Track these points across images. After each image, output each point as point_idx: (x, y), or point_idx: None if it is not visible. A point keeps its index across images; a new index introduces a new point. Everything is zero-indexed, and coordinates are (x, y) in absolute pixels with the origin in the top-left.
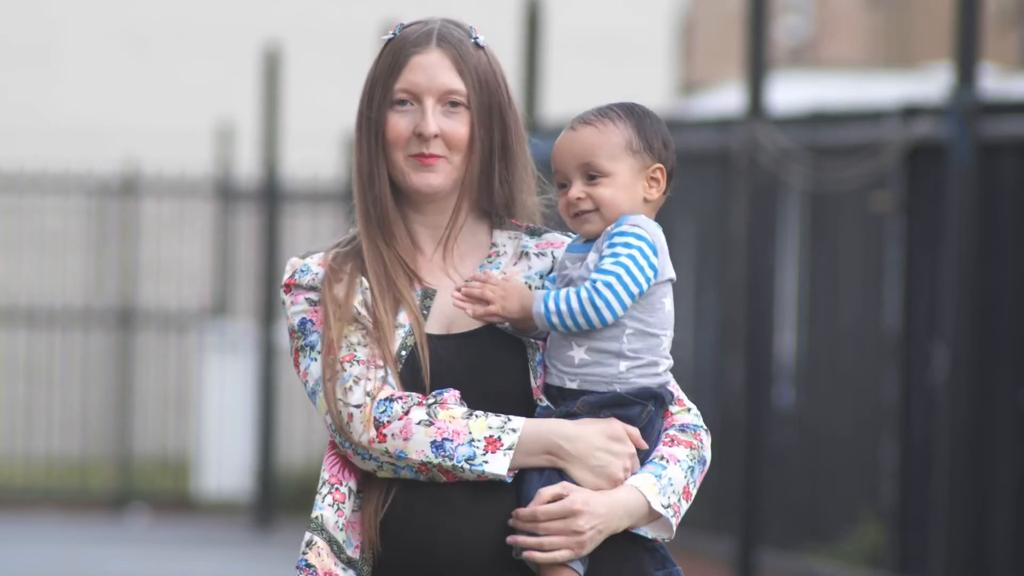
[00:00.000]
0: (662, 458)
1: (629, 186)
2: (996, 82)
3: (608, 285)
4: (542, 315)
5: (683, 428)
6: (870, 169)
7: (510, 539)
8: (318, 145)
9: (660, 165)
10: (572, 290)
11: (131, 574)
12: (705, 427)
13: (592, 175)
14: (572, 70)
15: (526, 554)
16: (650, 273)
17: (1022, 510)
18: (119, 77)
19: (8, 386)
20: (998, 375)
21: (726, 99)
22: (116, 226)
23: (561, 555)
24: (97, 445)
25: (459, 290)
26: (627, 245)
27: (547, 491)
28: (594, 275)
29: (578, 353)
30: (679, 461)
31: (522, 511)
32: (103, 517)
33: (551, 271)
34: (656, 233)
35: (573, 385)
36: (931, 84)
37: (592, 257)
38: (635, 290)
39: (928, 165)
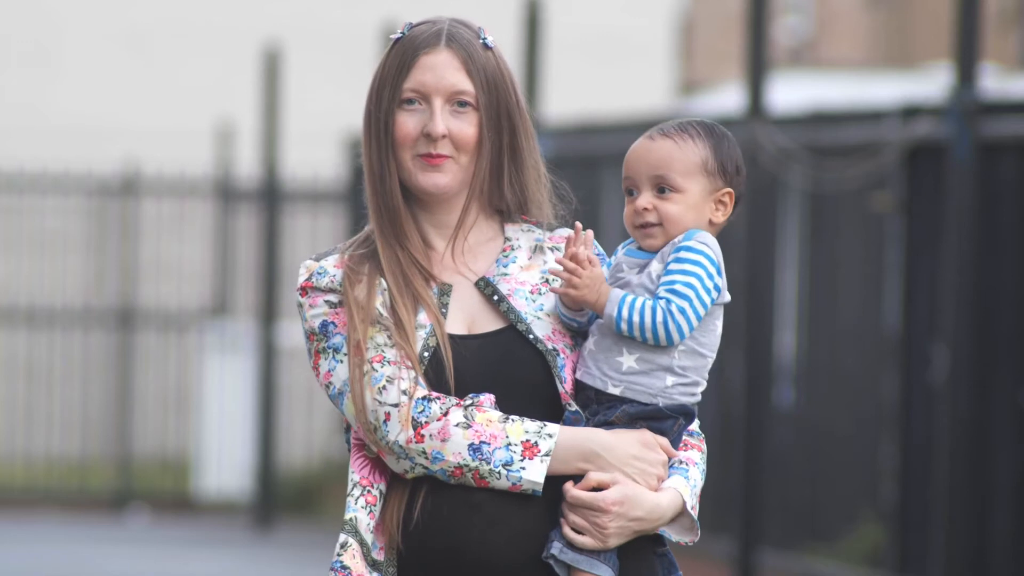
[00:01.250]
0: (680, 462)
1: (698, 206)
2: (996, 82)
3: (682, 311)
4: (613, 318)
5: (690, 434)
6: (870, 169)
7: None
8: (318, 145)
9: (730, 190)
10: (648, 304)
11: (131, 574)
12: (703, 435)
13: (663, 188)
14: (572, 70)
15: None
16: (715, 295)
17: (1022, 510)
18: (119, 77)
19: (8, 386)
20: (998, 375)
21: (726, 99)
22: (116, 226)
23: (582, 540)
24: (97, 445)
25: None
26: (697, 263)
27: (595, 476)
28: (666, 293)
29: (627, 360)
30: (696, 463)
31: (565, 487)
32: (103, 517)
33: None
34: (719, 254)
35: (616, 391)
36: (931, 84)
37: (656, 267)
38: (702, 312)
39: (928, 165)
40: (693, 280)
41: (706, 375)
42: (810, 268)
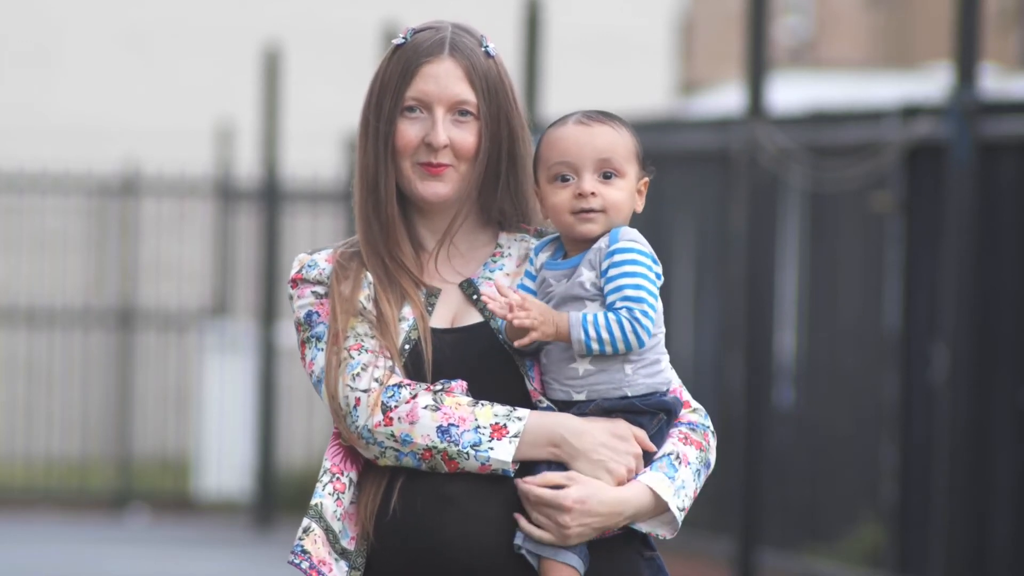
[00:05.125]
0: (676, 457)
1: (632, 194)
2: (996, 82)
3: (645, 314)
4: (582, 341)
5: (693, 427)
6: (870, 169)
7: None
8: (318, 145)
9: (647, 179)
10: (612, 317)
11: (131, 574)
12: (712, 428)
13: (608, 173)
14: (572, 70)
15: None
16: (658, 284)
17: (1022, 510)
18: (119, 77)
19: (8, 386)
20: (998, 375)
21: (726, 99)
22: (116, 226)
23: (541, 535)
24: (97, 445)
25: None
26: (636, 262)
27: (552, 476)
28: (623, 302)
29: (582, 365)
30: (689, 463)
31: (521, 486)
32: (103, 517)
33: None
34: (647, 243)
35: (581, 396)
36: (931, 84)
37: (587, 275)
38: (657, 306)
39: (928, 165)
40: (641, 280)
41: (663, 350)
42: (810, 268)
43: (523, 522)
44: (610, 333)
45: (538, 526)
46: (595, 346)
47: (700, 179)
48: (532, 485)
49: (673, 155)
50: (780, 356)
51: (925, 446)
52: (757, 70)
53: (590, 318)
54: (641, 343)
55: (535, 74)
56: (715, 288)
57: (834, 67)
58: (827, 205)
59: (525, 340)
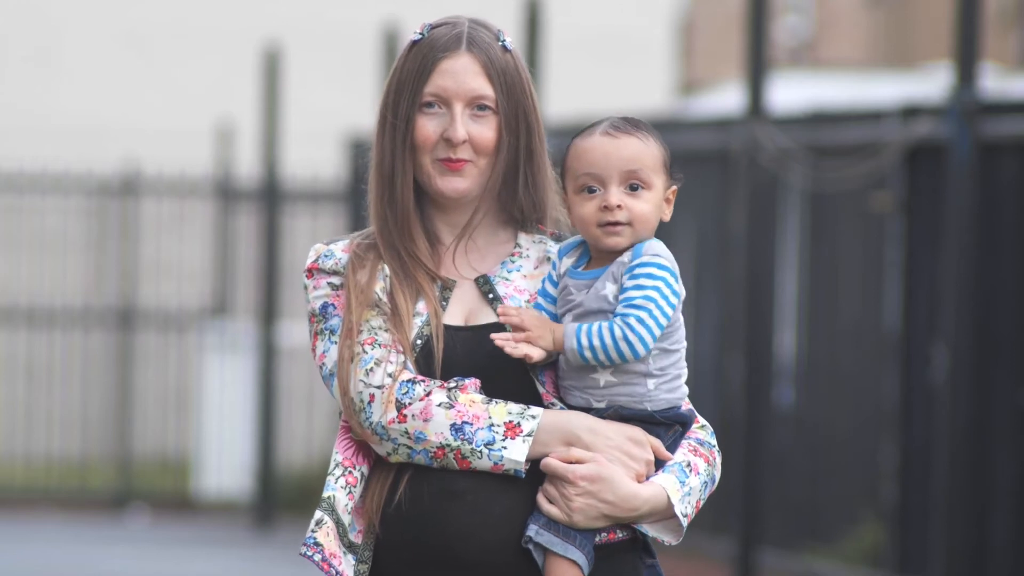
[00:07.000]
0: (688, 465)
1: (659, 204)
2: (996, 82)
3: (641, 320)
4: (575, 350)
5: (700, 443)
6: (870, 169)
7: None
8: (318, 145)
9: (675, 187)
10: (604, 325)
11: (131, 574)
12: (717, 448)
13: (635, 185)
14: (572, 70)
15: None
16: (675, 301)
17: (1022, 510)
18: (119, 77)
19: (8, 386)
20: (998, 375)
21: (726, 99)
22: (116, 226)
23: (548, 508)
24: (97, 445)
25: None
26: (651, 276)
27: (577, 452)
28: (624, 309)
29: (603, 376)
30: (699, 473)
31: (544, 460)
32: (103, 517)
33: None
34: (672, 258)
35: (601, 405)
36: (931, 84)
37: (611, 288)
38: (663, 321)
39: (928, 165)
40: (651, 292)
41: (684, 365)
42: (810, 268)
43: (539, 496)
44: (601, 340)
45: (551, 501)
46: (588, 354)
47: (700, 179)
48: (552, 457)
49: (673, 155)
50: (780, 356)
51: (925, 446)
52: (757, 70)
53: (584, 328)
54: (635, 351)
55: (535, 74)
56: (715, 288)
57: (834, 67)
58: (827, 205)
59: (524, 350)
